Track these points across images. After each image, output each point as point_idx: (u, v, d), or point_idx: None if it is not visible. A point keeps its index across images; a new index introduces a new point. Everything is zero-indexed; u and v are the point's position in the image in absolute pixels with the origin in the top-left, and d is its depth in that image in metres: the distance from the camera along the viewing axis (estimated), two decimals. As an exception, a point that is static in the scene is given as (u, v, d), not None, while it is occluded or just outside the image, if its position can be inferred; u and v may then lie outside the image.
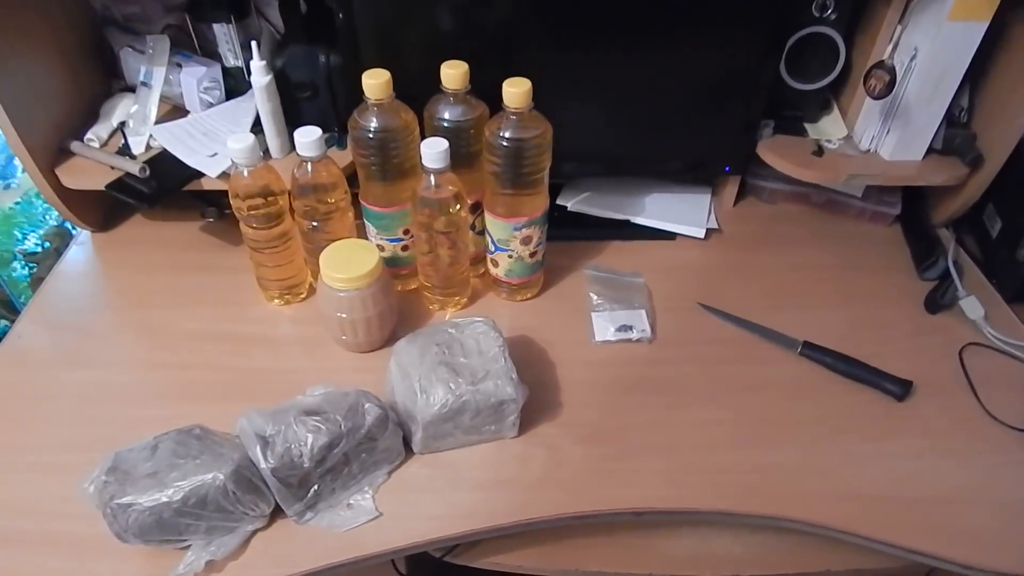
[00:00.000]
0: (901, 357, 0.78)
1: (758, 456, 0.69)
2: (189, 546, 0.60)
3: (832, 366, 0.77)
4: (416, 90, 0.74)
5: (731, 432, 0.72)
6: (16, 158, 0.85)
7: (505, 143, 0.71)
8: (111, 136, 0.89)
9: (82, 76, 0.91)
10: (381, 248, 0.82)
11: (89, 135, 0.87)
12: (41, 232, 1.07)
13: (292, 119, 0.86)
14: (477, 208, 0.81)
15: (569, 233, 0.94)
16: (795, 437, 0.71)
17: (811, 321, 0.82)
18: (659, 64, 0.84)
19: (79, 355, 0.78)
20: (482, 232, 0.82)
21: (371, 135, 0.72)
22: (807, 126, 0.94)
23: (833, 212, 1.00)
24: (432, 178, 0.72)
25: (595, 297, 0.85)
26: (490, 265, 0.84)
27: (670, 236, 0.95)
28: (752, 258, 0.93)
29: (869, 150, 0.89)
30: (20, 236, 1.07)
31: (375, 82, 0.70)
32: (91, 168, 0.85)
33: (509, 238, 0.78)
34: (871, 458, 0.70)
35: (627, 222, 0.96)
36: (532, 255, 0.81)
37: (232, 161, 0.71)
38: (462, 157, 0.76)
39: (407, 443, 0.69)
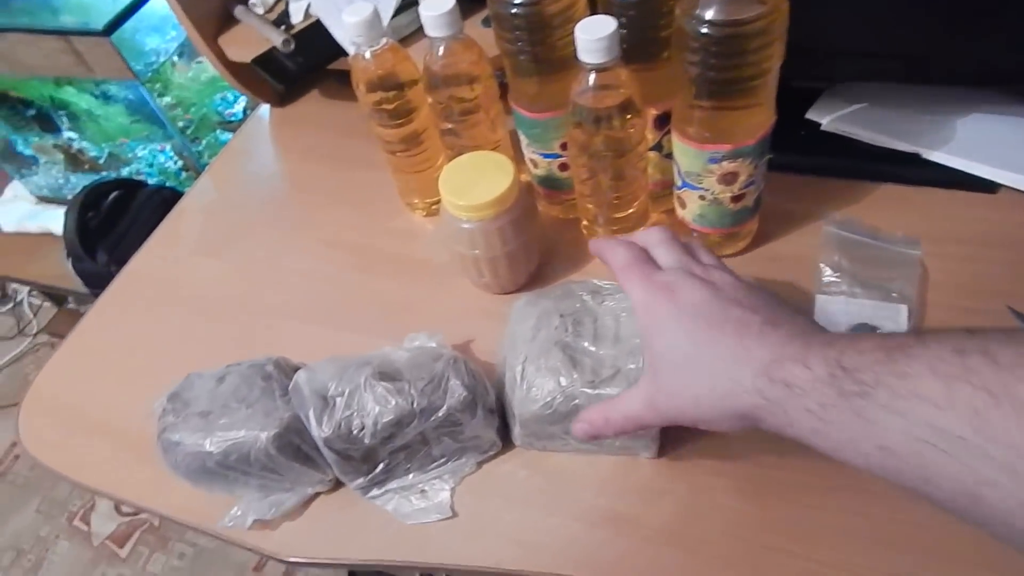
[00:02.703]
0: None
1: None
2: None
3: None
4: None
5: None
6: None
7: (707, 30, 0.45)
8: None
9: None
10: (534, 164, 0.63)
11: (255, -2, 0.78)
12: (246, 100, 1.06)
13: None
14: (667, 122, 0.57)
15: (816, 164, 0.65)
16: None
17: None
18: None
19: (218, 245, 0.75)
20: (672, 155, 0.58)
21: (516, 11, 0.51)
22: None
23: None
24: (591, 77, 0.50)
25: (829, 271, 0.57)
26: (676, 204, 0.60)
27: (986, 187, 0.61)
28: None
29: None
30: (231, 99, 1.08)
31: (521, -72, 0.48)
32: (253, 37, 0.77)
33: (702, 172, 0.54)
34: None
35: (915, 157, 0.63)
36: (736, 199, 0.56)
37: (351, 40, 0.56)
38: (649, 44, 0.52)
39: (507, 432, 0.53)
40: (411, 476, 0.53)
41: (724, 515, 0.48)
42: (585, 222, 0.62)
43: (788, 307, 0.39)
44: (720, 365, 0.36)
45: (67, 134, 1.09)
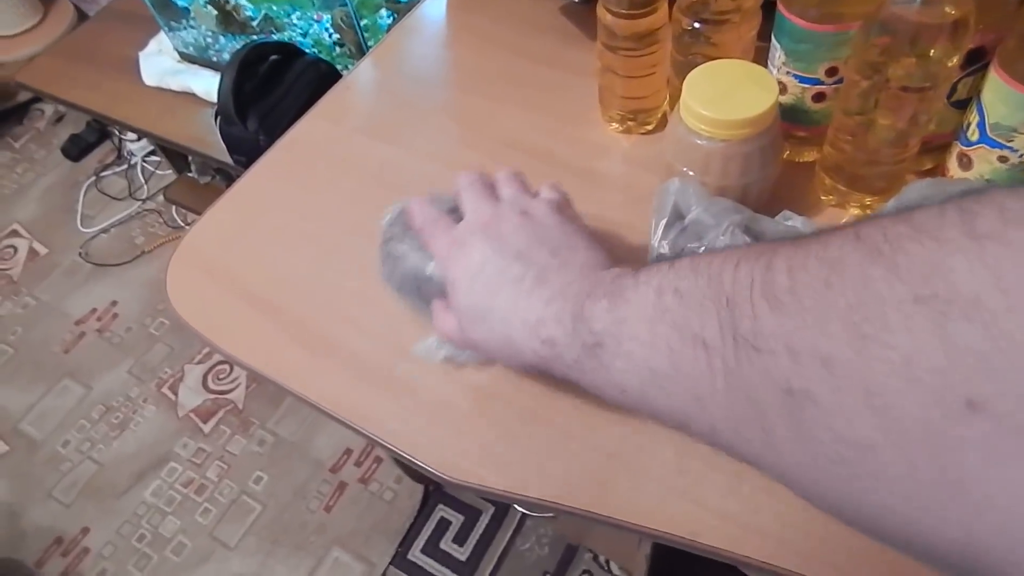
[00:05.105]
0: None
1: None
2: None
3: None
4: None
5: None
6: None
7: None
8: None
9: None
10: (782, 87, 0.53)
11: None
12: (413, -18, 0.98)
13: None
14: (974, 60, 0.46)
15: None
16: None
17: None
18: None
19: (387, 126, 0.68)
20: (963, 103, 0.48)
21: None
22: None
23: None
24: (926, -18, 0.40)
25: None
26: (954, 162, 0.50)
27: None
28: None
29: None
30: (396, -19, 1.01)
31: None
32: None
33: (1020, 127, 0.44)
34: None
35: None
36: (1047, 167, 0.45)
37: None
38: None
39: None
40: None
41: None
42: (830, 163, 0.53)
43: (580, 246, 0.39)
44: (502, 325, 0.37)
45: (226, -14, 1.03)
